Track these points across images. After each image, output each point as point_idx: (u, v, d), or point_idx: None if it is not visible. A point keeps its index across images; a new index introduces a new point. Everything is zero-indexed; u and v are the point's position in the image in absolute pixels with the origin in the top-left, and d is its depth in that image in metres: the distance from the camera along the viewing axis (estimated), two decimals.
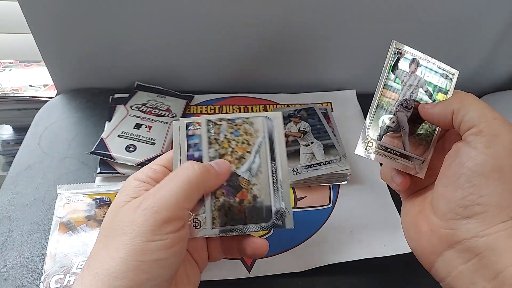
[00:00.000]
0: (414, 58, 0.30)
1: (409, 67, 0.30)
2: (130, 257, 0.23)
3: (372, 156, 0.29)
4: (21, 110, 0.61)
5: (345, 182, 0.45)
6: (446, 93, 0.30)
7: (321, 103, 0.54)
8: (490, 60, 0.56)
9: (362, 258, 0.37)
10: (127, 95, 0.52)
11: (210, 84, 0.56)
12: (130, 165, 0.43)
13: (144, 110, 0.49)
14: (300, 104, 0.54)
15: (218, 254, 0.32)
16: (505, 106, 0.54)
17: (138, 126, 0.47)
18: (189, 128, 0.31)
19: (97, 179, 0.43)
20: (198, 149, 0.30)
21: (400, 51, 0.30)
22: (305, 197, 0.43)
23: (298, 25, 0.49)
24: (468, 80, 0.59)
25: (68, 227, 0.37)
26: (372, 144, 0.29)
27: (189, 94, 0.54)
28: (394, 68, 0.30)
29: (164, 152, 0.44)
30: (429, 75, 0.30)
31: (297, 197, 0.43)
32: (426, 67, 0.30)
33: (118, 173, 0.43)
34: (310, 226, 0.40)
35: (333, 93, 0.56)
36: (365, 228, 0.40)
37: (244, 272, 0.36)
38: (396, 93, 0.29)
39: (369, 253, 0.38)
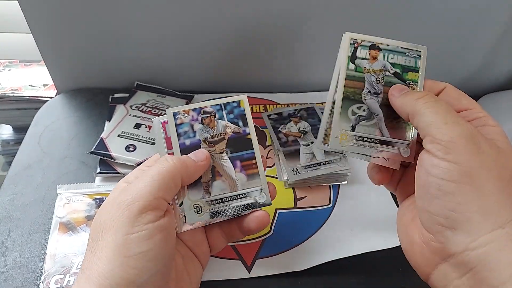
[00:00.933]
0: (372, 44, 0.30)
1: (369, 53, 0.30)
2: (114, 254, 0.23)
3: (349, 147, 0.28)
4: (20, 110, 0.61)
5: (345, 182, 0.44)
6: (417, 71, 0.29)
7: (321, 103, 0.54)
8: (490, 60, 0.56)
9: (362, 253, 0.37)
10: (127, 94, 0.52)
11: (210, 84, 0.56)
12: (130, 165, 0.43)
13: (144, 109, 0.49)
14: (300, 104, 0.54)
15: (220, 243, 0.32)
16: (505, 106, 0.54)
17: (138, 125, 0.47)
18: (176, 117, 0.31)
19: (97, 179, 0.43)
20: (188, 137, 0.31)
21: (356, 40, 0.30)
22: (305, 197, 0.43)
23: (298, 25, 0.49)
24: (468, 80, 0.59)
25: (68, 227, 0.37)
26: (346, 137, 0.28)
27: (188, 94, 0.54)
28: (353, 58, 0.29)
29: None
30: (393, 57, 0.30)
31: (297, 197, 0.43)
32: (388, 50, 0.30)
33: (118, 173, 0.43)
34: (310, 226, 0.40)
35: None
36: (366, 227, 0.40)
37: (244, 272, 0.36)
38: (360, 81, 0.29)
39: (370, 247, 0.38)
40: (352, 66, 0.29)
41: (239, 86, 0.56)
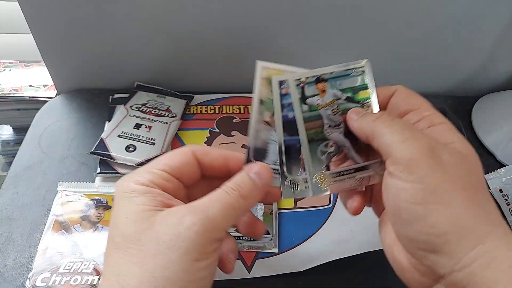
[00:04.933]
0: (317, 77, 0.29)
1: (317, 88, 0.28)
2: (179, 277, 0.21)
3: (332, 187, 0.28)
4: (21, 110, 0.61)
5: None
6: (366, 88, 0.28)
7: None
8: (489, 60, 0.56)
9: (361, 252, 0.37)
10: (127, 95, 0.52)
11: (210, 84, 0.56)
12: (130, 165, 0.43)
13: (144, 110, 0.49)
14: None
15: None
16: (504, 107, 0.54)
17: (138, 126, 0.47)
18: (282, 86, 0.29)
19: (97, 179, 0.43)
20: (292, 110, 0.28)
21: (300, 80, 0.28)
22: (305, 197, 0.43)
23: (298, 26, 0.49)
24: (467, 81, 0.59)
25: (63, 225, 0.37)
26: (324, 178, 0.28)
27: (189, 94, 0.54)
28: (303, 99, 0.28)
29: (164, 152, 0.44)
30: (341, 82, 0.28)
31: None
32: (334, 78, 0.29)
33: (118, 173, 0.43)
34: (310, 226, 0.40)
35: None
36: (365, 227, 0.40)
37: (244, 272, 0.36)
38: (318, 120, 0.28)
39: (369, 248, 0.38)
40: (305, 107, 0.28)
41: (239, 86, 0.56)
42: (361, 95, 0.29)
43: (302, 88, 0.28)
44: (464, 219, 0.21)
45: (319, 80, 0.29)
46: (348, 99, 0.28)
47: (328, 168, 0.28)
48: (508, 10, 0.49)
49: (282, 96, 0.28)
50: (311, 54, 0.53)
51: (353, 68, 0.29)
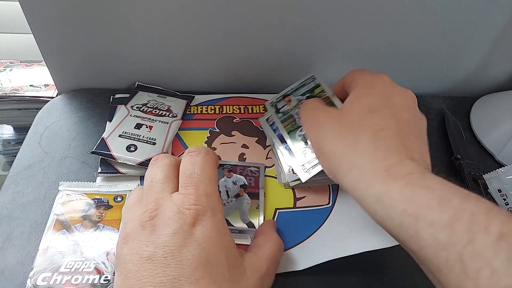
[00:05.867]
0: (282, 96, 0.44)
1: (284, 101, 0.43)
2: None
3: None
4: (21, 110, 0.62)
5: None
6: (319, 85, 0.42)
7: None
8: (488, 61, 0.56)
9: (361, 252, 0.37)
10: (127, 95, 0.52)
11: (210, 84, 0.56)
12: (131, 164, 0.43)
13: (144, 110, 0.49)
14: None
15: None
16: (502, 108, 0.54)
17: (138, 126, 0.47)
18: (268, 120, 0.45)
19: (98, 179, 0.43)
20: (279, 130, 0.42)
21: (272, 101, 0.44)
22: (305, 197, 0.43)
23: (297, 26, 0.49)
24: (466, 81, 0.59)
25: (63, 225, 0.37)
26: (307, 150, 0.39)
27: (189, 95, 0.54)
28: (277, 111, 0.43)
29: (165, 152, 0.44)
30: (300, 90, 0.43)
31: (296, 197, 0.43)
32: (294, 90, 0.43)
33: (119, 172, 0.43)
34: (309, 226, 0.40)
35: None
36: (364, 227, 0.40)
37: None
38: (290, 118, 0.42)
39: (368, 247, 0.38)
40: (280, 115, 0.43)
41: (239, 86, 0.56)
42: (317, 91, 0.41)
43: (275, 105, 0.44)
44: (337, 159, 0.32)
45: (284, 97, 0.43)
46: (308, 97, 0.41)
47: (307, 143, 0.40)
48: (507, 10, 0.49)
49: (271, 125, 0.44)
50: (311, 54, 0.53)
51: (305, 79, 0.43)
